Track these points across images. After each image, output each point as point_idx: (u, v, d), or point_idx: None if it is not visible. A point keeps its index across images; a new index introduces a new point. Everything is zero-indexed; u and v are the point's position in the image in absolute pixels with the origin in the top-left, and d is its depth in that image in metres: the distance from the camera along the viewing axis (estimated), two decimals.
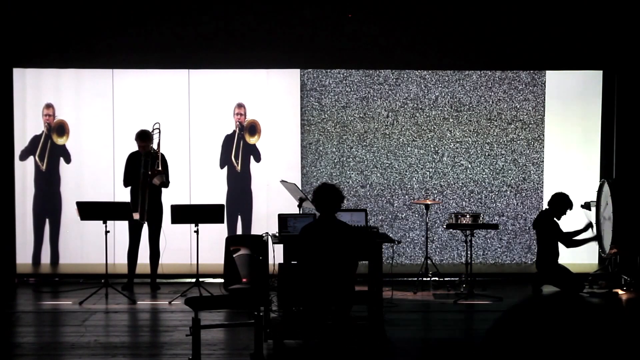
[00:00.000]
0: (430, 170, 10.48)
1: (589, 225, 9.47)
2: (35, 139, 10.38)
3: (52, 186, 10.39)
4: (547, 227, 9.15)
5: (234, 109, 10.41)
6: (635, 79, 10.31)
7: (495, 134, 10.53)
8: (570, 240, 9.22)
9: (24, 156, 10.39)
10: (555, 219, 9.17)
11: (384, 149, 10.47)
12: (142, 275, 9.73)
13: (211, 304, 7.17)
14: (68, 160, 10.39)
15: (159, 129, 9.63)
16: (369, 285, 7.15)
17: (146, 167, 9.44)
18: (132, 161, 9.55)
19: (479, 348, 1.32)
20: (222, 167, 10.44)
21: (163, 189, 9.57)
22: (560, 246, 9.23)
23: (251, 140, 10.43)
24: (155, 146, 9.56)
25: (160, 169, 9.41)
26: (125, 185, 9.55)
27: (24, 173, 10.40)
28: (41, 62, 10.34)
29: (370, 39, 10.32)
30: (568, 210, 9.19)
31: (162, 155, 9.58)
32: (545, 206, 9.71)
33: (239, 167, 10.42)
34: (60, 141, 10.39)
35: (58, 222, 10.41)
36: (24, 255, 10.37)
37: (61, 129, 10.39)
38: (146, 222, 9.51)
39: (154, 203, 9.47)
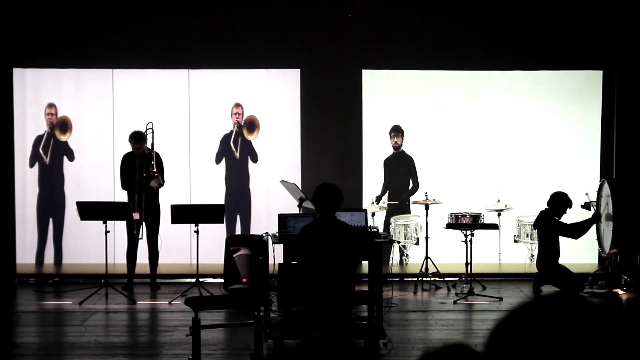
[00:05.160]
0: (431, 170, 10.49)
1: (596, 217, 9.42)
2: (39, 139, 10.39)
3: (56, 186, 10.39)
4: (548, 225, 9.15)
5: (232, 109, 10.42)
6: (635, 78, 10.31)
7: (496, 134, 10.54)
8: (576, 230, 9.15)
9: (32, 162, 10.40)
10: (555, 217, 9.17)
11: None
12: (142, 275, 9.73)
13: (211, 304, 7.17)
14: (71, 158, 10.40)
15: (152, 128, 9.58)
16: (369, 285, 7.15)
17: (141, 170, 9.39)
18: (127, 163, 9.50)
19: (482, 350, 1.32)
20: (218, 162, 10.44)
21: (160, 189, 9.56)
22: (562, 246, 9.23)
23: (250, 137, 10.44)
24: (149, 146, 9.52)
25: (155, 170, 9.37)
26: (124, 187, 9.53)
27: (24, 174, 10.40)
28: (41, 62, 10.34)
29: (369, 39, 10.33)
30: (568, 209, 9.18)
31: (157, 154, 9.54)
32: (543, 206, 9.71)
33: (237, 154, 10.40)
34: (63, 138, 10.40)
35: (62, 221, 10.41)
36: (24, 255, 10.37)
37: (64, 125, 10.40)
38: (144, 223, 9.49)
39: (151, 203, 9.44)
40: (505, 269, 10.51)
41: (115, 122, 10.33)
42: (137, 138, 9.44)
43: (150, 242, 9.57)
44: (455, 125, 10.52)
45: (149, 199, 9.41)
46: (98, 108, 10.39)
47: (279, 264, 7.35)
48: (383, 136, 10.51)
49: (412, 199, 10.34)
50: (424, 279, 9.84)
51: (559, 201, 9.13)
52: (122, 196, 9.70)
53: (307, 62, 10.39)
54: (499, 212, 10.31)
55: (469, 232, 9.18)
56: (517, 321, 1.27)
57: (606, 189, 9.57)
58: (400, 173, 10.50)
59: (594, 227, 9.70)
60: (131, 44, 10.27)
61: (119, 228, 9.72)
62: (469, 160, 10.52)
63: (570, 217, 9.36)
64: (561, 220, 9.15)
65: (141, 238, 9.50)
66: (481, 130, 10.53)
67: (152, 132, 9.56)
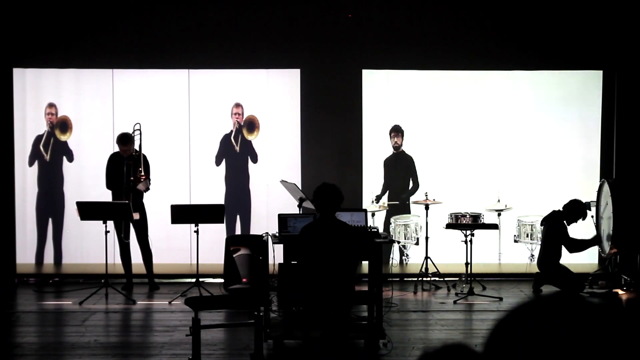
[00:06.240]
0: (431, 170, 10.50)
1: (596, 239, 9.50)
2: (39, 138, 10.39)
3: (56, 186, 10.39)
4: (555, 227, 9.20)
5: (232, 109, 10.43)
6: (635, 79, 10.31)
7: (496, 134, 10.55)
8: (575, 246, 9.29)
9: (32, 161, 10.40)
10: (565, 222, 9.23)
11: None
12: (142, 275, 9.72)
13: (211, 304, 7.17)
14: (71, 158, 10.40)
15: (139, 129, 9.55)
16: (369, 285, 7.15)
17: (129, 172, 9.35)
18: (114, 163, 9.45)
19: (482, 350, 1.32)
20: (218, 164, 10.44)
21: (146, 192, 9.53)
22: (563, 249, 9.29)
23: (250, 136, 10.44)
24: (137, 147, 9.48)
25: (143, 174, 9.34)
26: (108, 187, 9.47)
27: (24, 173, 10.40)
28: (41, 62, 10.34)
29: (369, 39, 10.33)
30: (580, 220, 9.29)
31: (144, 157, 9.51)
32: (544, 206, 9.72)
33: (237, 147, 10.40)
34: (63, 137, 10.41)
35: (61, 221, 10.41)
36: (24, 255, 10.37)
37: (64, 125, 10.40)
38: (131, 225, 9.47)
39: (136, 205, 9.37)
40: (505, 269, 10.51)
41: (115, 122, 10.33)
42: (125, 140, 9.40)
43: (141, 243, 9.54)
44: (455, 125, 10.51)
45: (134, 201, 9.32)
46: (98, 108, 10.39)
47: (279, 264, 7.35)
48: (383, 136, 10.51)
49: (412, 199, 10.34)
50: (424, 279, 9.84)
51: (576, 209, 9.23)
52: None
53: (307, 62, 10.39)
54: (499, 212, 10.31)
55: (469, 232, 9.18)
56: (517, 321, 1.27)
57: (606, 189, 9.57)
58: (400, 173, 10.50)
59: (593, 227, 9.74)
60: (131, 44, 10.27)
61: None
62: (469, 160, 10.52)
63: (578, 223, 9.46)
64: (568, 228, 9.24)
65: (127, 241, 9.49)
66: (481, 130, 10.53)
67: (140, 134, 9.52)
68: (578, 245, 9.34)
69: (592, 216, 9.76)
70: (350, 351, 6.74)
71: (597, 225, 9.77)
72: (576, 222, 9.31)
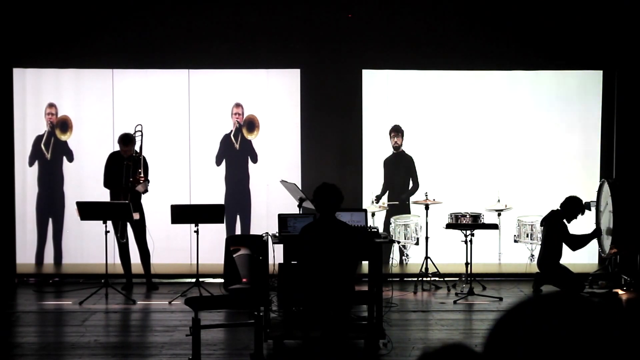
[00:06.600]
0: (431, 170, 10.50)
1: (597, 232, 9.52)
2: (39, 137, 10.39)
3: (56, 186, 10.39)
4: (555, 227, 9.20)
5: (232, 109, 10.43)
6: (635, 78, 10.31)
7: (496, 134, 10.55)
8: (576, 243, 9.29)
9: (32, 161, 10.40)
10: (564, 220, 9.23)
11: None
12: (141, 275, 9.73)
13: (211, 304, 7.17)
14: (71, 158, 10.40)
15: (141, 131, 9.54)
16: (369, 285, 7.15)
17: (128, 173, 9.35)
18: (113, 163, 9.45)
19: (481, 349, 1.32)
20: (218, 164, 10.44)
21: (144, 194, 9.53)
22: (565, 248, 9.28)
23: (249, 136, 10.44)
24: (137, 149, 9.48)
25: (142, 175, 9.33)
26: (106, 186, 9.47)
27: (24, 173, 10.40)
28: (41, 62, 10.34)
29: (369, 39, 10.34)
30: (580, 215, 9.28)
31: (144, 159, 9.50)
32: (544, 206, 9.71)
33: (237, 145, 10.40)
34: (63, 137, 10.41)
35: (61, 221, 10.41)
36: (24, 255, 10.37)
37: (64, 125, 10.41)
38: (129, 225, 9.47)
39: (134, 205, 9.34)
40: (505, 269, 10.51)
41: (115, 122, 10.33)
42: (127, 141, 9.40)
43: (139, 243, 9.54)
44: (455, 125, 10.51)
45: (132, 201, 9.31)
46: (98, 108, 10.39)
47: (279, 264, 7.35)
48: (383, 136, 10.51)
49: (412, 199, 10.34)
50: (424, 279, 9.84)
51: (573, 205, 9.22)
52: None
53: (307, 62, 10.39)
54: (499, 212, 10.31)
55: (469, 232, 9.18)
56: (516, 320, 1.27)
57: (606, 189, 9.57)
58: (400, 173, 10.50)
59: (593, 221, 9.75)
60: (131, 44, 10.27)
61: None
62: (469, 160, 10.52)
63: (578, 219, 9.43)
64: (568, 225, 9.23)
65: (124, 240, 9.48)
66: (481, 130, 10.53)
67: (142, 135, 9.52)
68: (580, 242, 9.32)
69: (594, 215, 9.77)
70: (350, 351, 6.74)
71: (597, 224, 9.76)
72: (576, 218, 9.28)
